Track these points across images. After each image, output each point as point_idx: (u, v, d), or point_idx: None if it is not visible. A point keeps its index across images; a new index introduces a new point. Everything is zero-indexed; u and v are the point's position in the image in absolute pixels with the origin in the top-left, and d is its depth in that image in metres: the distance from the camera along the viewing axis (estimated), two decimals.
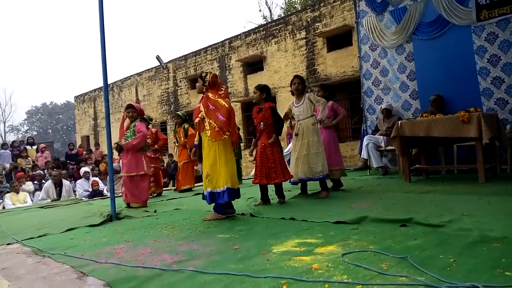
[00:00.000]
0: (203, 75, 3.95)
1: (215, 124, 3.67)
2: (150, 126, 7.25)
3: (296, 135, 4.62)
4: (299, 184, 4.76)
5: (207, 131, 3.73)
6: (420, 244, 2.31)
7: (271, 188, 4.52)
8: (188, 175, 7.28)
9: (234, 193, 3.75)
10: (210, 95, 3.81)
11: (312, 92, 4.80)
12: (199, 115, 3.82)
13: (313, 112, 4.65)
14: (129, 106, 5.46)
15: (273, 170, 4.23)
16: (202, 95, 3.97)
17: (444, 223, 2.73)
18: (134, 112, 5.40)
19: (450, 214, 3.02)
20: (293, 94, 4.77)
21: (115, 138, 5.63)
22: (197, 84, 4.01)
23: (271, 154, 4.27)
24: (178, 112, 7.85)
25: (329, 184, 4.93)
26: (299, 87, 4.68)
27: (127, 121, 5.48)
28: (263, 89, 4.41)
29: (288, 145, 8.28)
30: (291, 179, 4.54)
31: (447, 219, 2.82)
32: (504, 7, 5.74)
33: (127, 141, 5.27)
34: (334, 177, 4.96)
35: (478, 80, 6.03)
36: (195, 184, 7.46)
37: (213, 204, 3.81)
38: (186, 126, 7.38)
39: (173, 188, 7.81)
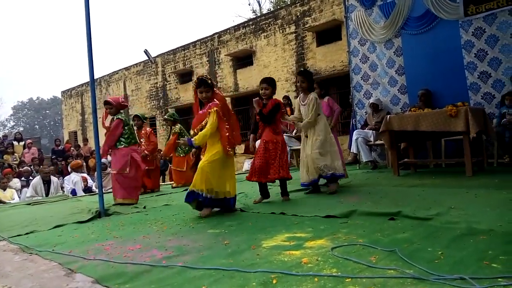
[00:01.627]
0: (208, 81, 3.66)
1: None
2: (145, 125, 7.08)
3: (306, 136, 4.40)
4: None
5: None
6: (408, 237, 2.34)
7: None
8: (183, 176, 7.25)
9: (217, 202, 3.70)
10: (213, 111, 3.56)
11: (316, 95, 4.39)
12: (203, 122, 3.62)
13: (319, 112, 4.38)
14: (106, 103, 5.26)
15: (272, 166, 4.04)
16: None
17: (432, 216, 2.76)
18: (111, 108, 5.21)
19: (438, 207, 3.05)
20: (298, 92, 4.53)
21: (102, 134, 5.54)
22: (205, 95, 3.64)
23: (274, 149, 4.08)
24: (166, 116, 7.69)
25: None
26: (303, 85, 4.40)
27: (109, 117, 5.35)
28: (274, 84, 4.21)
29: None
30: (303, 182, 4.39)
31: (435, 212, 2.86)
32: (491, 2, 5.79)
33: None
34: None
35: (466, 74, 6.10)
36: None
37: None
38: (178, 126, 7.26)
39: (171, 183, 7.72)
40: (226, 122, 3.68)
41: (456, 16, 6.12)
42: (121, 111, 5.31)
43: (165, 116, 7.64)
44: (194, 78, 14.98)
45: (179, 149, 7.22)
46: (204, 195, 3.56)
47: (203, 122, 3.62)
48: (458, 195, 3.57)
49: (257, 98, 4.26)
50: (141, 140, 6.74)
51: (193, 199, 3.66)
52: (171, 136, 7.17)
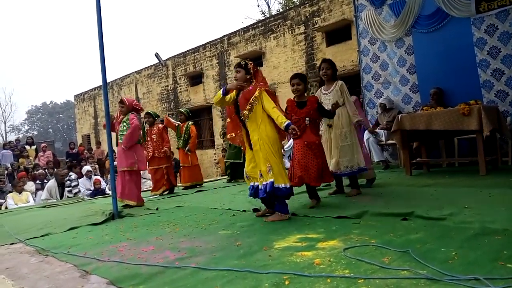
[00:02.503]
0: (242, 63, 3.50)
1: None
2: (157, 123, 7.10)
3: (330, 126, 4.16)
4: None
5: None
6: (421, 238, 2.32)
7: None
8: (193, 173, 7.31)
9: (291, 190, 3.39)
10: (264, 91, 3.38)
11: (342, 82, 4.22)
12: (251, 99, 3.36)
13: (343, 102, 4.12)
14: (120, 101, 5.39)
15: (319, 168, 3.67)
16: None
17: (445, 216, 2.73)
18: (123, 107, 5.29)
19: (451, 207, 3.02)
20: (321, 81, 4.27)
21: (115, 137, 5.60)
22: (239, 75, 3.46)
23: (318, 152, 3.72)
24: (181, 109, 7.82)
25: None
26: (328, 72, 4.18)
27: (121, 117, 5.42)
28: (305, 79, 3.88)
29: (288, 140, 8.24)
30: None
31: (448, 212, 2.83)
32: None
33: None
34: (367, 177, 4.62)
35: (478, 72, 6.01)
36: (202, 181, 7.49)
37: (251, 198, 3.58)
38: (189, 123, 7.39)
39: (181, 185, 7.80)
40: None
41: (467, 14, 6.04)
42: (134, 112, 5.36)
43: (181, 110, 7.71)
44: (204, 80, 15.07)
45: (185, 143, 7.32)
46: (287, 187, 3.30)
47: (251, 100, 3.36)
48: (471, 195, 3.53)
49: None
50: (152, 136, 6.80)
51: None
52: (190, 127, 7.28)
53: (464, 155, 6.00)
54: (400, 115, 5.49)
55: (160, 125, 7.11)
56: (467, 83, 6.06)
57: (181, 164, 7.50)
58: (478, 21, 5.98)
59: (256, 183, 3.43)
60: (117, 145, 5.32)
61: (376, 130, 6.85)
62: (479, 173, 4.80)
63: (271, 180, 3.25)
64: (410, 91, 6.85)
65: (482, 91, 5.97)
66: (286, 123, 3.22)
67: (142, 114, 6.74)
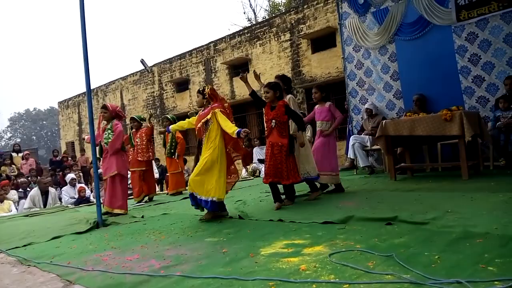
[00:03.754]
0: (200, 89, 4.12)
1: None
2: (143, 127, 6.99)
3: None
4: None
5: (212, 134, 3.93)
6: (405, 242, 2.35)
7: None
8: (179, 180, 7.27)
9: (219, 205, 3.89)
10: (218, 111, 3.94)
11: (291, 95, 4.64)
12: (203, 120, 3.98)
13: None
14: (102, 107, 5.33)
15: (279, 171, 4.10)
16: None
17: (428, 221, 2.78)
18: (106, 113, 5.23)
19: (434, 211, 3.07)
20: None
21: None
22: (197, 100, 4.18)
23: (279, 153, 4.11)
24: (167, 115, 7.79)
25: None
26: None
27: (103, 123, 5.36)
28: (275, 87, 4.26)
29: None
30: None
31: (432, 217, 2.87)
32: (483, 7, 5.86)
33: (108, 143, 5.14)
34: (322, 181, 4.78)
35: (460, 79, 6.15)
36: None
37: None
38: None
39: (166, 192, 7.72)
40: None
41: (448, 22, 6.19)
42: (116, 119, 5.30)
43: (167, 116, 7.66)
44: (191, 86, 15.03)
45: (172, 150, 7.26)
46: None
47: (203, 120, 3.96)
48: (454, 199, 3.59)
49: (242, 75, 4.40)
50: (137, 140, 6.73)
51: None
52: (176, 134, 7.22)
53: (447, 160, 6.11)
54: (384, 121, 5.56)
55: (143, 128, 7.04)
56: (449, 89, 6.19)
57: (167, 173, 7.42)
58: (459, 29, 6.13)
59: (200, 196, 3.85)
60: (101, 154, 5.25)
61: (361, 135, 6.94)
62: (462, 177, 4.89)
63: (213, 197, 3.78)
64: (393, 97, 6.96)
65: (463, 97, 6.11)
66: (237, 130, 3.71)
67: (127, 120, 6.68)
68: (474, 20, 5.96)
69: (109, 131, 5.13)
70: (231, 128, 3.78)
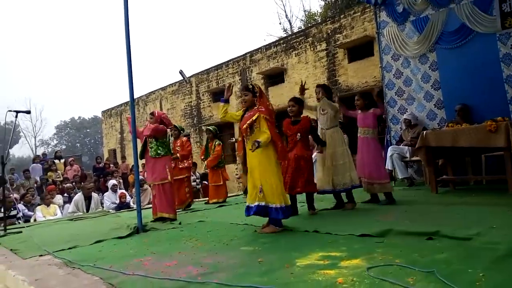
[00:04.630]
0: (249, 87, 3.90)
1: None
2: (181, 137, 7.18)
3: (320, 152, 4.61)
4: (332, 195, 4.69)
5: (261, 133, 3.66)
6: (447, 258, 2.27)
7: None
8: (221, 192, 7.35)
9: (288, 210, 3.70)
10: (262, 118, 3.69)
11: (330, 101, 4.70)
12: (248, 122, 3.73)
13: (337, 123, 4.66)
14: (151, 113, 5.53)
15: (299, 179, 4.27)
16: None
17: (471, 236, 2.67)
18: (152, 119, 5.41)
19: (478, 226, 2.95)
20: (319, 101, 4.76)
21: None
22: (246, 98, 3.86)
23: (305, 165, 4.32)
24: (210, 128, 7.86)
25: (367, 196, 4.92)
26: (319, 95, 4.70)
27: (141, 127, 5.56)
28: (300, 102, 4.49)
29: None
30: (319, 189, 4.57)
31: (475, 232, 2.76)
32: None
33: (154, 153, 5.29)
34: (373, 191, 4.76)
35: (505, 88, 5.89)
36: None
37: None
38: (216, 142, 7.45)
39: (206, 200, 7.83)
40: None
41: (493, 29, 5.96)
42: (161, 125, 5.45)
43: (209, 128, 7.78)
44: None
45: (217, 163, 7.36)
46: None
47: (249, 121, 3.72)
48: (499, 214, 3.44)
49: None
50: (177, 148, 6.92)
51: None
52: (215, 147, 7.34)
53: (491, 173, 5.83)
54: (425, 132, 5.42)
55: (184, 138, 7.22)
56: (494, 99, 5.94)
57: (212, 184, 7.49)
58: (504, 37, 5.89)
59: (252, 204, 3.65)
60: (142, 155, 5.41)
61: (400, 146, 6.77)
62: (508, 191, 4.66)
63: (261, 203, 3.56)
64: (435, 107, 6.76)
65: (509, 108, 5.84)
66: (258, 140, 3.56)
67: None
68: None
69: (153, 138, 5.30)
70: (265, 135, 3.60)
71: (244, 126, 3.75)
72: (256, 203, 3.60)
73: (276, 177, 3.64)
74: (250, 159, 3.73)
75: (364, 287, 1.92)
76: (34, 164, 12.38)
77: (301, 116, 4.49)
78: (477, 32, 6.13)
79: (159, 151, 5.28)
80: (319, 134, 4.65)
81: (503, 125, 4.62)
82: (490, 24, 5.97)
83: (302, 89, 4.61)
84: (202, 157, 7.66)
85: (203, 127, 16.43)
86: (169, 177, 5.27)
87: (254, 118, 3.68)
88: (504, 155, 4.71)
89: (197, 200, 8.52)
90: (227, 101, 3.95)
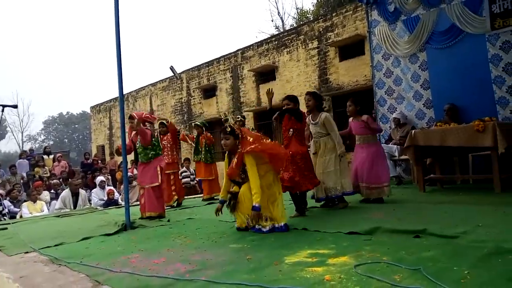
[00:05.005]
0: (228, 130, 3.65)
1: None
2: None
3: (314, 153, 4.50)
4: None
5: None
6: (433, 256, 2.29)
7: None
8: (214, 186, 7.32)
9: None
10: (247, 157, 3.52)
11: (327, 114, 4.57)
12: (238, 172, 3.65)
13: (328, 132, 4.46)
14: (129, 117, 5.31)
15: (308, 177, 4.13)
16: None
17: (458, 234, 2.70)
18: (133, 122, 5.22)
19: (464, 225, 2.98)
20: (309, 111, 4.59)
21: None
22: (228, 142, 3.67)
23: (302, 162, 4.14)
24: (197, 122, 7.76)
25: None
26: (309, 103, 4.52)
27: (133, 133, 5.39)
28: (295, 100, 4.38)
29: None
30: (313, 196, 4.51)
31: (462, 230, 2.79)
32: None
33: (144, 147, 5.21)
34: (372, 196, 4.69)
35: (493, 89, 5.97)
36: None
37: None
38: (208, 134, 7.44)
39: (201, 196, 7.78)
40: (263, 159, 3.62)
41: (482, 30, 6.03)
42: (146, 124, 5.37)
43: (197, 123, 7.71)
44: (218, 93, 15.22)
45: (209, 155, 7.31)
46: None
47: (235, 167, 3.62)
48: (486, 213, 3.48)
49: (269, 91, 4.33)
50: (163, 142, 6.79)
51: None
52: (208, 136, 7.35)
53: (478, 172, 5.92)
54: (413, 131, 5.46)
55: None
56: (482, 99, 6.02)
57: (201, 178, 7.42)
58: (493, 38, 5.96)
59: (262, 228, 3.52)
60: (136, 163, 5.38)
61: (389, 144, 6.82)
62: (494, 190, 4.73)
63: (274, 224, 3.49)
64: (424, 106, 6.82)
65: (497, 108, 5.92)
66: (255, 205, 3.41)
67: (156, 125, 6.77)
68: (509, 28, 5.80)
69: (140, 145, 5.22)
70: (254, 196, 3.43)
71: (235, 173, 3.64)
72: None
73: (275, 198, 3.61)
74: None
75: (351, 284, 1.92)
76: (20, 160, 12.19)
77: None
78: (467, 32, 6.20)
79: (150, 156, 5.22)
80: (312, 143, 4.59)
81: (491, 125, 4.68)
82: (479, 24, 6.04)
83: (270, 97, 4.33)
84: (194, 155, 7.58)
85: (193, 124, 16.39)
86: (159, 179, 5.20)
87: (242, 161, 3.55)
88: (491, 155, 4.77)
89: (192, 196, 8.43)
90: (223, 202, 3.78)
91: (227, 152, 3.80)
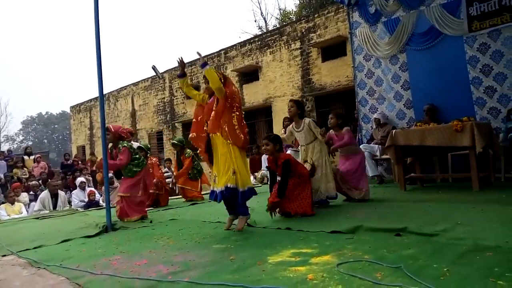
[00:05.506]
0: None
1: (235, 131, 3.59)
2: (149, 156, 6.85)
3: (305, 162, 4.51)
4: None
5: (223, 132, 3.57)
6: (414, 254, 2.33)
7: None
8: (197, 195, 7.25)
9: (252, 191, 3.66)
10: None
11: (311, 119, 4.60)
12: (212, 114, 3.62)
13: (315, 136, 4.49)
14: (106, 129, 4.90)
15: (294, 200, 4.04)
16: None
17: (438, 232, 2.75)
18: (109, 135, 5.01)
19: (444, 223, 3.04)
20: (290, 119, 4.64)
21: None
22: (208, 86, 3.76)
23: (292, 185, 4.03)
24: (174, 141, 7.58)
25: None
26: (292, 109, 4.54)
27: (110, 147, 5.19)
28: (276, 140, 4.11)
29: None
30: None
31: (441, 228, 2.85)
32: (495, 18, 5.84)
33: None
34: (352, 195, 4.78)
35: (471, 89, 6.12)
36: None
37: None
38: (186, 154, 7.19)
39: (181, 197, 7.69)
40: (235, 112, 3.63)
41: (460, 32, 6.17)
42: (125, 142, 5.14)
43: (174, 141, 7.53)
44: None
45: (191, 173, 7.21)
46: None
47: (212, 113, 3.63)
48: (464, 211, 3.56)
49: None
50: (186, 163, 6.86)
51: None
52: (184, 162, 7.15)
53: (457, 171, 6.05)
54: (394, 131, 5.55)
55: (153, 159, 7.11)
56: (460, 100, 6.16)
57: (187, 187, 7.28)
58: (471, 40, 6.11)
59: (216, 188, 3.59)
60: (119, 176, 5.27)
61: (371, 144, 6.91)
62: (472, 189, 4.84)
63: (232, 185, 3.48)
64: (404, 107, 6.93)
65: (475, 108, 6.07)
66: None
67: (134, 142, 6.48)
68: (486, 31, 5.94)
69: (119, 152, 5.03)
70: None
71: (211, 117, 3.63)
72: (228, 185, 3.49)
73: (243, 162, 3.61)
74: (219, 148, 3.62)
75: (334, 283, 1.94)
76: None
77: (280, 155, 4.11)
78: (446, 34, 6.33)
79: (134, 170, 5.08)
80: (300, 151, 4.64)
81: (469, 125, 4.79)
82: (457, 27, 6.18)
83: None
84: (177, 171, 7.43)
85: (176, 125, 16.25)
86: (140, 193, 5.10)
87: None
88: (469, 154, 4.88)
89: (174, 197, 8.36)
90: (182, 76, 4.04)
91: None
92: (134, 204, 5.08)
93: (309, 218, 3.95)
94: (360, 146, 7.00)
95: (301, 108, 4.65)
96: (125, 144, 5.07)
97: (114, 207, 5.40)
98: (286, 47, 12.48)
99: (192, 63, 15.61)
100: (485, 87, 5.99)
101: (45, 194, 8.11)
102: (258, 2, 35.94)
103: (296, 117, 4.58)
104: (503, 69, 5.83)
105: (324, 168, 4.47)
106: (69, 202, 8.66)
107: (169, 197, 7.42)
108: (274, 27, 18.81)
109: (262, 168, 9.56)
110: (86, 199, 8.46)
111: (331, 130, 4.94)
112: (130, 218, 4.98)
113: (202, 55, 4.11)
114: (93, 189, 9.06)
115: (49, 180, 9.68)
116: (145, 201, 5.41)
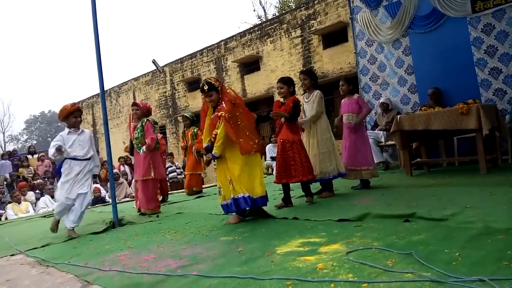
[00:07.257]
0: (211, 83, 3.58)
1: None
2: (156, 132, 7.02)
3: (303, 130, 4.45)
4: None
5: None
6: (424, 239, 2.31)
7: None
8: (198, 181, 7.25)
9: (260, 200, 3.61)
10: (223, 117, 3.51)
11: (319, 92, 4.47)
12: (215, 130, 3.61)
13: (322, 111, 4.41)
14: (133, 104, 5.42)
15: (293, 168, 4.01)
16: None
17: (447, 217, 2.72)
18: (138, 110, 5.31)
19: (453, 207, 3.01)
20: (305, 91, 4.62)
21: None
22: (209, 99, 3.63)
23: (291, 151, 4.03)
24: (186, 114, 7.62)
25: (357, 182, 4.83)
26: (305, 82, 4.49)
27: (134, 120, 5.40)
28: (290, 82, 4.18)
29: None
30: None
31: (450, 212, 2.81)
32: None
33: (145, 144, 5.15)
34: (361, 177, 4.71)
35: (476, 71, 6.03)
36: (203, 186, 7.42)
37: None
38: (195, 129, 7.24)
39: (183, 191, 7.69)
40: (240, 121, 3.59)
41: (463, 13, 6.06)
42: (149, 119, 5.33)
43: (186, 114, 7.56)
44: None
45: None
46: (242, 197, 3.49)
47: (215, 129, 3.58)
48: (473, 194, 3.52)
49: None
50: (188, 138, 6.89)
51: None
52: (187, 137, 7.18)
53: (464, 154, 6.00)
54: (399, 116, 5.49)
55: (159, 135, 7.10)
56: (465, 82, 6.08)
57: (188, 172, 7.28)
58: (475, 21, 6.00)
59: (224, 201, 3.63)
60: (132, 153, 5.36)
61: (375, 131, 6.86)
62: (480, 172, 4.80)
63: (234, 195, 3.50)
64: (408, 91, 6.86)
65: (480, 90, 5.98)
66: (205, 145, 3.67)
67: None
68: (490, 11, 5.83)
69: (138, 130, 5.19)
70: (216, 143, 3.54)
71: (213, 134, 3.63)
72: (234, 196, 3.51)
73: (239, 168, 3.53)
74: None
75: (344, 272, 1.92)
76: (3, 161, 11.89)
77: (290, 97, 4.17)
78: (448, 16, 6.22)
79: (142, 148, 5.17)
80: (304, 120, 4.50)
81: (474, 107, 4.73)
82: (460, 8, 6.06)
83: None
84: (183, 145, 7.45)
85: (179, 118, 16.22)
86: (152, 173, 5.16)
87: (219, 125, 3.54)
88: (476, 137, 4.83)
89: (181, 191, 8.34)
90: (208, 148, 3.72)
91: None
92: (147, 195, 5.12)
93: (315, 206, 3.93)
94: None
95: (315, 79, 4.57)
96: (149, 119, 5.33)
97: (120, 202, 5.41)
98: (287, 35, 12.36)
99: (193, 55, 15.53)
100: (490, 69, 5.90)
101: (46, 196, 8.17)
102: None
103: (310, 88, 4.51)
104: (508, 49, 5.73)
105: (330, 144, 4.38)
106: None
107: (176, 190, 7.42)
108: (274, 16, 18.64)
109: (266, 159, 9.54)
110: (92, 196, 8.46)
111: (343, 100, 4.89)
112: (145, 209, 5.05)
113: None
114: (98, 185, 9.07)
115: (56, 178, 9.70)
116: (157, 192, 5.44)
